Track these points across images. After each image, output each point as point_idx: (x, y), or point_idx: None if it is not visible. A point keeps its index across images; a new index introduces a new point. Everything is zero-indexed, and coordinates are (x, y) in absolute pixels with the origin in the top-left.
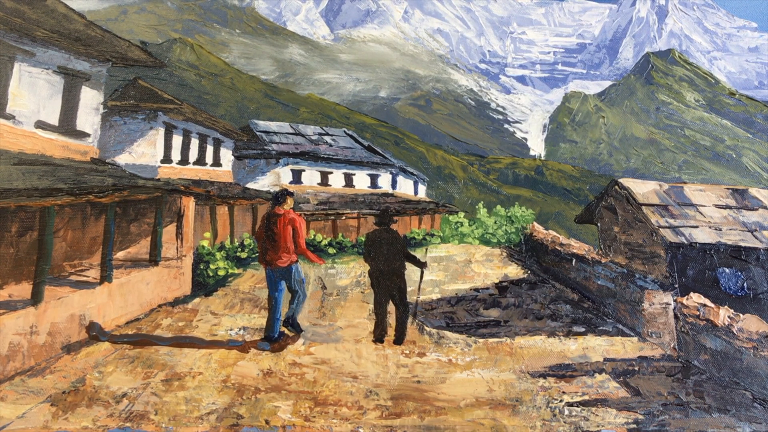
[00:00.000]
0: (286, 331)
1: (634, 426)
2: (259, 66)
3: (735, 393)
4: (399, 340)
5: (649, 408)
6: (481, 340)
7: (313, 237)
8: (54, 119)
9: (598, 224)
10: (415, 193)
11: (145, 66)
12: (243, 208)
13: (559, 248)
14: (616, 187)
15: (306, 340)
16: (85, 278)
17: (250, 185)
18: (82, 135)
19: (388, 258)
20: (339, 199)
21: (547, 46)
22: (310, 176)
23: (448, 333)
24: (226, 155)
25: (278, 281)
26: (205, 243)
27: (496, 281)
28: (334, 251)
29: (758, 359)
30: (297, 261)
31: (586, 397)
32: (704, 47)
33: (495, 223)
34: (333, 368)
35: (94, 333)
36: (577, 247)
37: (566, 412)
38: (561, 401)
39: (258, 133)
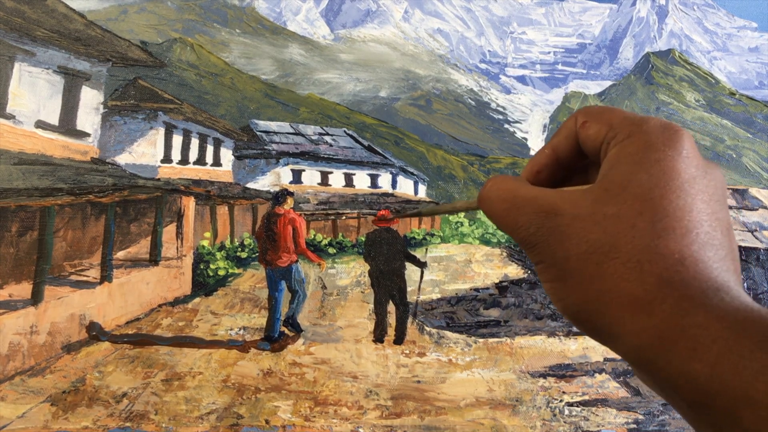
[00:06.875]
0: (286, 331)
1: (634, 426)
2: (259, 66)
3: None
4: (399, 340)
5: (649, 408)
6: (481, 340)
7: (313, 237)
8: (54, 119)
9: None
10: (416, 193)
11: (146, 66)
12: (243, 208)
13: None
14: None
15: (306, 340)
16: (85, 278)
17: (250, 185)
18: (83, 135)
19: (388, 258)
20: (339, 199)
21: (547, 46)
22: (310, 176)
23: (448, 333)
24: (226, 155)
25: (278, 281)
26: (205, 243)
27: (496, 281)
28: (334, 251)
29: None
30: (297, 261)
31: (586, 397)
32: (704, 47)
33: None
34: (333, 368)
35: (94, 333)
36: None
37: (566, 412)
38: (561, 401)
39: (258, 133)
